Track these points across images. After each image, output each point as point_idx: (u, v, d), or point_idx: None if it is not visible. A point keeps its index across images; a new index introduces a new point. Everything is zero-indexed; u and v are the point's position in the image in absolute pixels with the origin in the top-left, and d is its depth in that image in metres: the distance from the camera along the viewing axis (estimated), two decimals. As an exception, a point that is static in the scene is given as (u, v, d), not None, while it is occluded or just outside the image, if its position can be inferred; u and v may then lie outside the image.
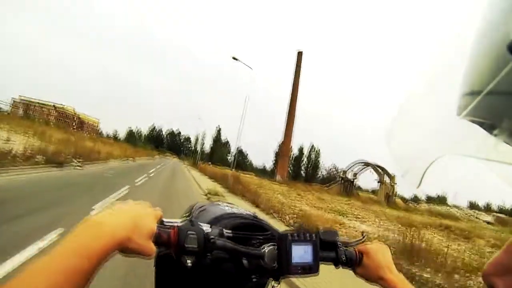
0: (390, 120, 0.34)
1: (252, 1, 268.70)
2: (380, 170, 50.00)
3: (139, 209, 0.52)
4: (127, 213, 0.48)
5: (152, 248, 0.49)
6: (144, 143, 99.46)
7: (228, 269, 0.62)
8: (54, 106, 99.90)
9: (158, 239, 0.51)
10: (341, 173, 57.11)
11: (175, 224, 0.56)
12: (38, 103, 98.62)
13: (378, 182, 51.26)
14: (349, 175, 55.43)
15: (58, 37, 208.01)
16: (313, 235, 0.65)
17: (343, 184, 54.91)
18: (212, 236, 0.55)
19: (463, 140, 0.24)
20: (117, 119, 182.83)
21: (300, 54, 64.11)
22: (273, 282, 0.66)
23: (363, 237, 0.78)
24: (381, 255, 0.70)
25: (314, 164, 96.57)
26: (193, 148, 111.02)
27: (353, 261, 0.70)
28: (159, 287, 0.70)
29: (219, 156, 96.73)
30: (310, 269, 0.61)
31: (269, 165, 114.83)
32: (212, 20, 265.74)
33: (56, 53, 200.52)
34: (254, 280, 0.64)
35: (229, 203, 0.83)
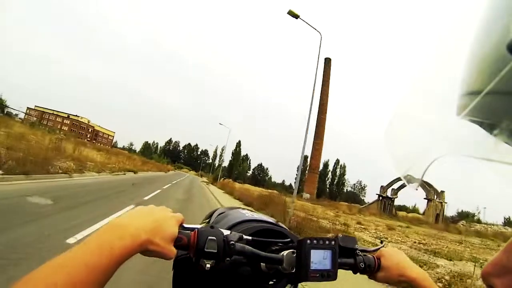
0: (389, 119, 0.32)
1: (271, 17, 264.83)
2: (427, 187, 41.97)
3: (161, 212, 0.51)
4: (150, 216, 0.48)
5: (173, 251, 0.49)
6: (159, 156, 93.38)
7: (245, 273, 0.61)
8: (68, 115, 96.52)
9: (178, 242, 0.51)
10: (380, 190, 48.61)
11: (196, 228, 0.55)
12: (52, 112, 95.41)
13: (427, 199, 43.26)
14: (389, 193, 47.54)
15: (82, 53, 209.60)
16: (332, 241, 0.61)
17: (382, 203, 46.78)
18: (231, 241, 0.54)
19: (463, 140, 0.23)
20: (135, 132, 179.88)
21: (328, 60, 56.73)
22: (290, 287, 0.64)
23: (382, 244, 0.75)
24: (398, 255, 0.69)
25: (339, 180, 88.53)
26: (211, 162, 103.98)
27: (372, 267, 0.67)
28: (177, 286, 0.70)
29: (239, 172, 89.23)
30: (328, 276, 0.58)
31: (288, 180, 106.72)
32: (228, 34, 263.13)
33: (73, 66, 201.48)
34: (271, 284, 0.63)
35: (250, 209, 0.81)
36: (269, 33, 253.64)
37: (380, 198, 48.22)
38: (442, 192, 43.63)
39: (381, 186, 49.19)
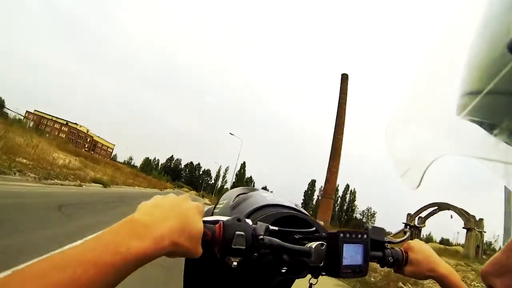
0: (389, 120, 0.31)
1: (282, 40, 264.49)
2: (466, 215, 35.78)
3: (184, 205, 0.44)
4: (173, 211, 0.41)
5: (200, 250, 0.43)
6: (159, 173, 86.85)
7: (269, 263, 0.56)
8: (66, 122, 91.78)
9: (202, 238, 0.45)
10: (407, 219, 42.25)
11: (219, 220, 0.49)
12: (51, 118, 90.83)
13: (466, 229, 36.81)
14: (417, 221, 41.30)
15: (90, 64, 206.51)
16: (365, 234, 0.57)
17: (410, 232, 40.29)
18: (260, 234, 0.49)
19: (463, 140, 0.23)
20: (137, 148, 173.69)
21: (345, 76, 51.94)
22: (311, 279, 0.61)
23: (407, 235, 0.73)
24: (426, 249, 0.65)
25: (349, 206, 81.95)
26: (213, 182, 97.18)
27: (400, 261, 0.65)
28: (188, 279, 0.68)
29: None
30: (360, 271, 0.55)
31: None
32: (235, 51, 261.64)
33: (78, 75, 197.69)
34: (289, 275, 0.58)
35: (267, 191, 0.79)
36: (273, 46, 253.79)
37: (408, 227, 41.84)
38: (481, 219, 37.53)
39: (408, 214, 42.89)
